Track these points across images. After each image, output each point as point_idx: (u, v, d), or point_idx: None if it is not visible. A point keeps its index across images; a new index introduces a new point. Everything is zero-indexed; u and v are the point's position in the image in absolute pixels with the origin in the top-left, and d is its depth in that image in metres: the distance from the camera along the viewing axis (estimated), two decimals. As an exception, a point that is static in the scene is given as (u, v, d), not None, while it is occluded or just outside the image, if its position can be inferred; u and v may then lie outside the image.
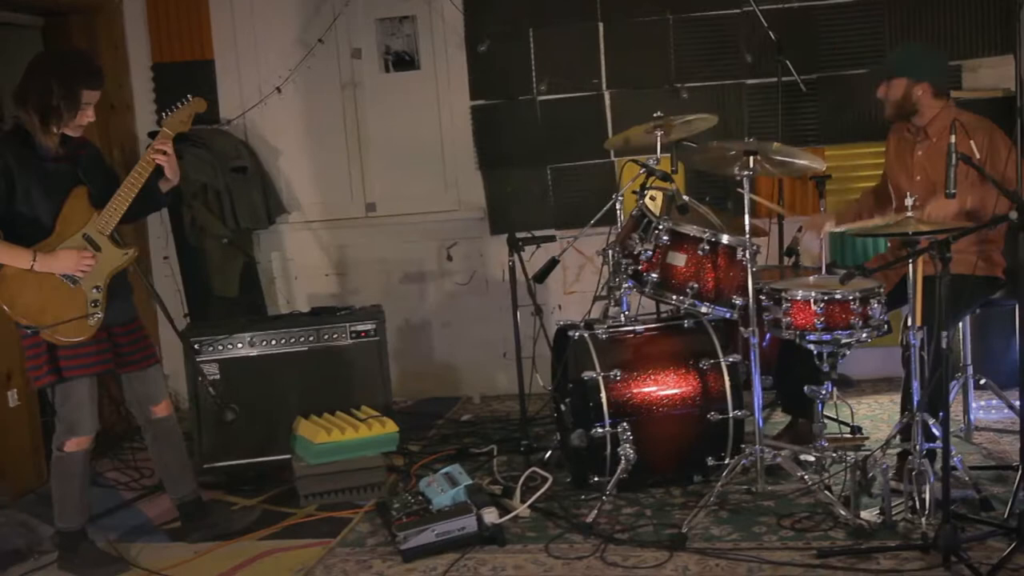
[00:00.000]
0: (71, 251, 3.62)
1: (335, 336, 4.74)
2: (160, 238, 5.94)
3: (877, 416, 4.95)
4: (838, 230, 4.45)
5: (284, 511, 4.29)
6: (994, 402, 4.71)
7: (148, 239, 6.01)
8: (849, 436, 4.48)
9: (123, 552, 3.96)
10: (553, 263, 4.78)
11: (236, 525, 4.07)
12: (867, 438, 4.50)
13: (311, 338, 4.72)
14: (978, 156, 3.86)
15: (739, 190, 3.90)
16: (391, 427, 4.41)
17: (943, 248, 3.17)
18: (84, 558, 3.84)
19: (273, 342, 4.69)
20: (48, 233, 3.62)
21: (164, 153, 3.75)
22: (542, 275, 4.74)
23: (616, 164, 5.67)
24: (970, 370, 4.50)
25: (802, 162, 4.26)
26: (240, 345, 4.65)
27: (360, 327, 4.76)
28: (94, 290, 3.67)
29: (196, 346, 4.60)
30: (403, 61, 5.84)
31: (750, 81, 5.49)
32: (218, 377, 4.60)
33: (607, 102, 5.65)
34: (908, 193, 3.65)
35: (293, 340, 4.71)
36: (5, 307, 3.56)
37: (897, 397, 5.12)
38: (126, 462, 5.08)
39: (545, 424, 5.11)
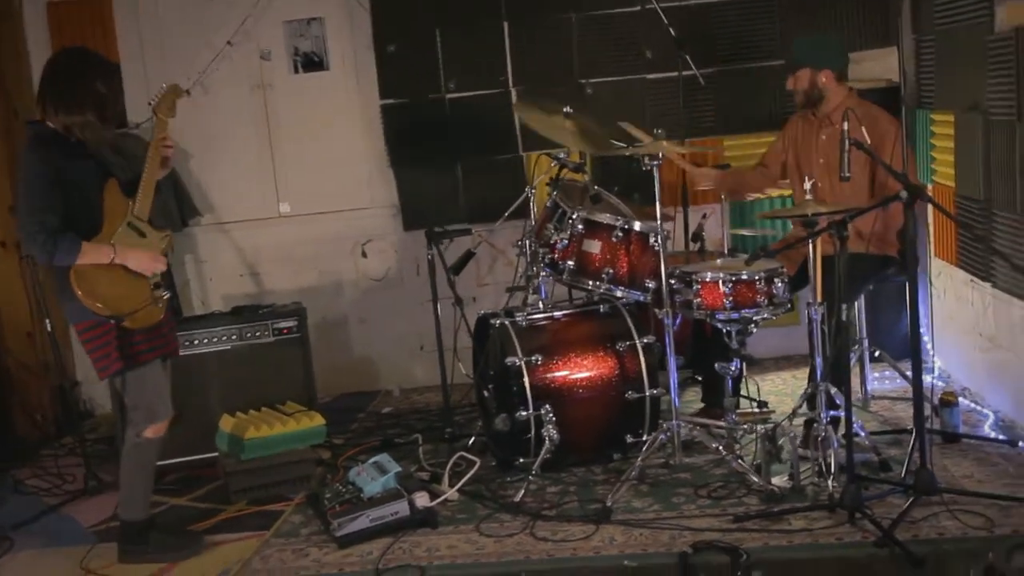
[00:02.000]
0: (147, 252, 3.74)
1: (258, 334, 4.81)
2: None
3: (781, 391, 5.21)
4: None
5: (215, 507, 4.34)
6: (888, 373, 5.01)
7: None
8: (756, 411, 4.72)
9: (53, 556, 3.98)
10: (469, 255, 4.94)
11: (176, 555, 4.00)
12: (773, 412, 4.75)
13: (234, 337, 4.78)
14: (869, 141, 4.14)
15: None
16: (318, 420, 4.51)
17: (840, 228, 3.41)
18: (160, 545, 3.90)
19: (196, 342, 4.73)
20: (98, 228, 3.70)
21: (167, 142, 3.87)
22: (458, 267, 4.90)
23: (525, 159, 5.84)
24: (866, 343, 4.78)
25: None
26: (163, 346, 4.67)
27: (282, 324, 4.84)
28: (154, 276, 3.79)
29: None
30: (312, 62, 5.91)
31: (651, 76, 5.71)
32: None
33: (514, 98, 5.80)
34: (807, 176, 3.90)
35: (216, 339, 4.76)
36: (97, 303, 3.63)
37: (798, 372, 5.45)
38: (46, 468, 5.05)
39: (466, 413, 5.24)
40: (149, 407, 3.84)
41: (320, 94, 5.93)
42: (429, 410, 5.54)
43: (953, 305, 5.08)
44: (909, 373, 4.54)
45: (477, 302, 5.94)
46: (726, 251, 5.14)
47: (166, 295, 3.81)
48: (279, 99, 5.94)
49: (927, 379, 4.26)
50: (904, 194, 3.32)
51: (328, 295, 6.02)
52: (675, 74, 5.48)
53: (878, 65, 5.65)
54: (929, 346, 5.08)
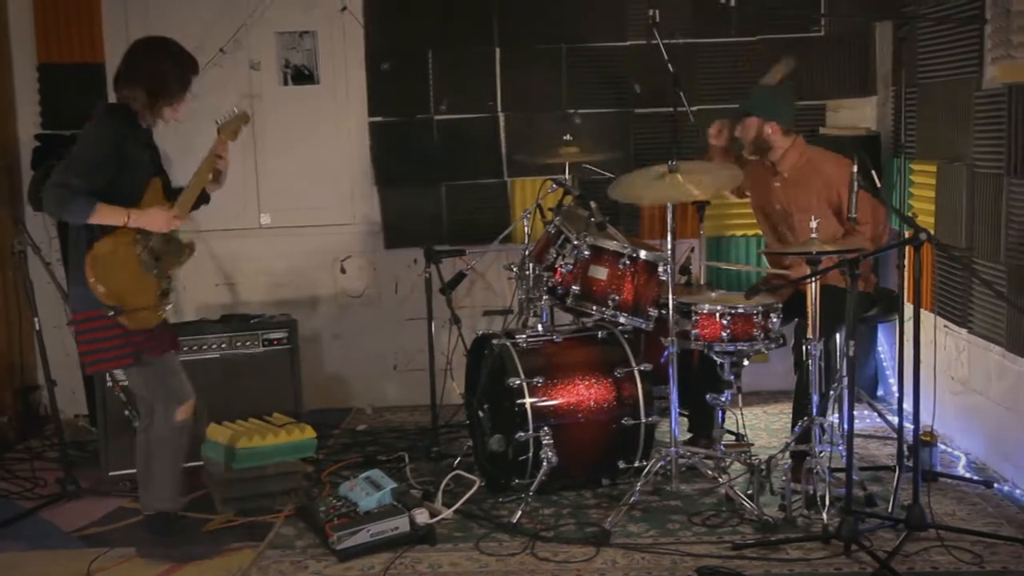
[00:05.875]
0: (161, 209, 3.71)
1: (247, 344, 4.77)
2: (44, 243, 5.76)
3: (753, 425, 5.32)
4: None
5: (202, 517, 4.28)
6: (858, 412, 5.15)
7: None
8: (736, 442, 4.82)
9: (34, 561, 3.89)
10: (460, 276, 4.99)
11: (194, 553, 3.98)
12: (752, 444, 4.85)
13: (223, 345, 4.74)
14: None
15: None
16: (309, 433, 4.48)
17: (852, 266, 3.54)
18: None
19: (184, 349, 4.65)
20: None
21: (224, 159, 3.93)
22: (450, 286, 4.94)
23: (510, 184, 5.90)
24: (844, 380, 4.92)
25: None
26: (150, 352, 4.60)
27: (273, 335, 4.82)
28: (166, 280, 3.77)
29: (105, 352, 4.53)
30: (302, 75, 5.90)
31: (637, 111, 5.83)
32: (127, 384, 4.54)
33: (502, 124, 5.87)
34: (812, 216, 4.03)
35: (205, 347, 4.71)
36: (100, 286, 3.58)
37: (768, 408, 5.59)
38: (13, 472, 4.92)
39: (445, 433, 5.24)
40: (171, 390, 3.88)
41: (308, 108, 5.91)
42: (405, 429, 5.53)
43: (923, 348, 5.25)
44: (886, 414, 4.81)
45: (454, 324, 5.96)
46: (702, 283, 5.27)
47: (169, 306, 3.78)
48: (267, 110, 5.91)
49: (893, 419, 4.40)
50: (924, 236, 3.46)
51: (304, 309, 5.97)
52: (661, 109, 5.63)
53: (855, 114, 5.88)
54: (895, 388, 5.24)
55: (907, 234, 3.77)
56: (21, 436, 5.51)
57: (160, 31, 5.73)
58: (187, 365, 4.58)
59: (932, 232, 3.76)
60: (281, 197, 5.98)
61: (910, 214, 5.23)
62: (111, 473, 4.57)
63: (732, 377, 4.26)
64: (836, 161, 4.58)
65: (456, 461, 4.69)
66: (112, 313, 3.63)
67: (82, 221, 3.60)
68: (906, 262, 3.92)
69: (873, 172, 3.90)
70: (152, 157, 3.84)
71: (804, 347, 4.06)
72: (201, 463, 4.51)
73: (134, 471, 4.52)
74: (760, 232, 5.24)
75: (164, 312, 3.80)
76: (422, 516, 3.92)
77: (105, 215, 3.61)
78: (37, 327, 4.70)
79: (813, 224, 3.95)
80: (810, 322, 4.06)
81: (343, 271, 6.01)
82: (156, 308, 3.74)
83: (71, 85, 5.72)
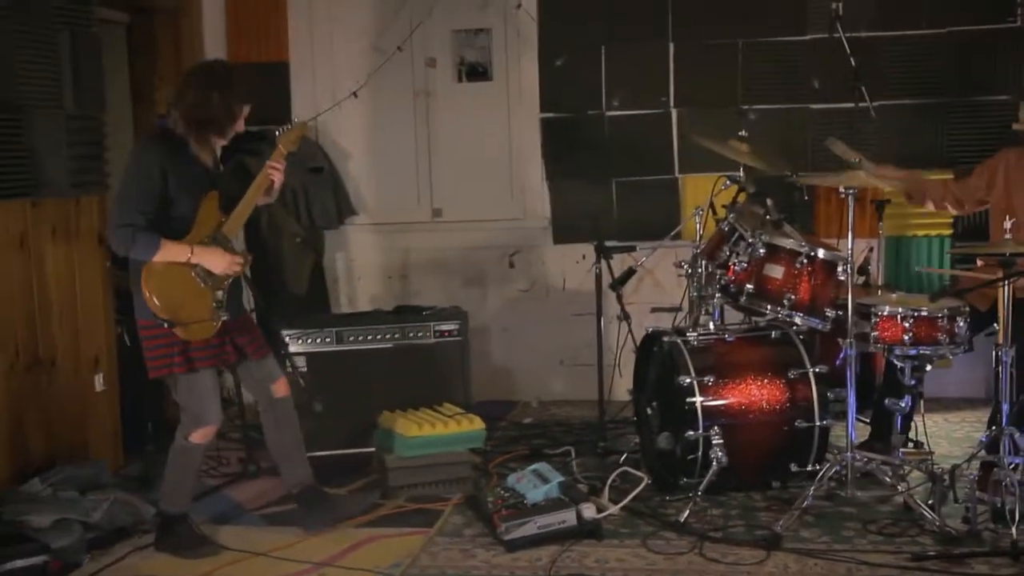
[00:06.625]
0: (224, 252, 3.79)
1: (419, 335, 4.87)
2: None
3: (933, 433, 5.09)
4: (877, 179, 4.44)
5: (375, 502, 4.39)
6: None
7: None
8: (917, 450, 4.63)
9: (217, 534, 4.07)
10: (630, 272, 4.96)
11: (354, 510, 4.15)
12: (933, 452, 4.65)
13: (396, 335, 4.85)
14: None
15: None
16: (478, 424, 4.54)
17: (1053, 270, 3.34)
18: (181, 539, 3.94)
19: (360, 338, 4.81)
20: (184, 234, 3.76)
21: (278, 170, 3.93)
22: (620, 282, 4.92)
23: (681, 181, 5.84)
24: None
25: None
26: (328, 340, 4.77)
27: (444, 327, 4.89)
28: (219, 292, 3.81)
29: (286, 339, 4.71)
30: (476, 72, 6.00)
31: (815, 106, 5.68)
32: (305, 370, 4.70)
33: (674, 120, 5.82)
34: (1008, 215, 3.82)
35: (379, 337, 4.83)
36: (155, 299, 3.68)
37: (949, 415, 5.36)
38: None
39: (612, 429, 5.23)
40: (196, 413, 3.86)
41: (481, 104, 6.02)
42: (570, 423, 5.55)
43: None
44: None
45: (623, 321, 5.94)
46: (880, 284, 5.09)
47: (224, 317, 3.80)
48: (440, 106, 6.03)
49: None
50: None
51: (473, 302, 6.05)
52: (839, 105, 5.48)
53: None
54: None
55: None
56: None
57: (342, 30, 6.00)
58: (361, 354, 4.80)
59: None
60: (453, 191, 6.10)
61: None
62: (289, 455, 4.73)
63: (913, 382, 4.09)
64: None
65: (623, 457, 4.67)
66: (167, 325, 3.70)
67: (148, 259, 3.67)
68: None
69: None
70: (205, 172, 3.85)
71: (995, 353, 3.85)
72: (373, 450, 4.64)
73: (312, 454, 4.73)
74: (951, 232, 5.00)
75: (218, 324, 3.79)
76: (589, 511, 3.92)
77: (169, 252, 3.68)
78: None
79: (1007, 224, 3.74)
80: (1001, 327, 3.85)
81: (512, 265, 6.08)
82: (211, 320, 3.77)
83: (259, 83, 5.95)
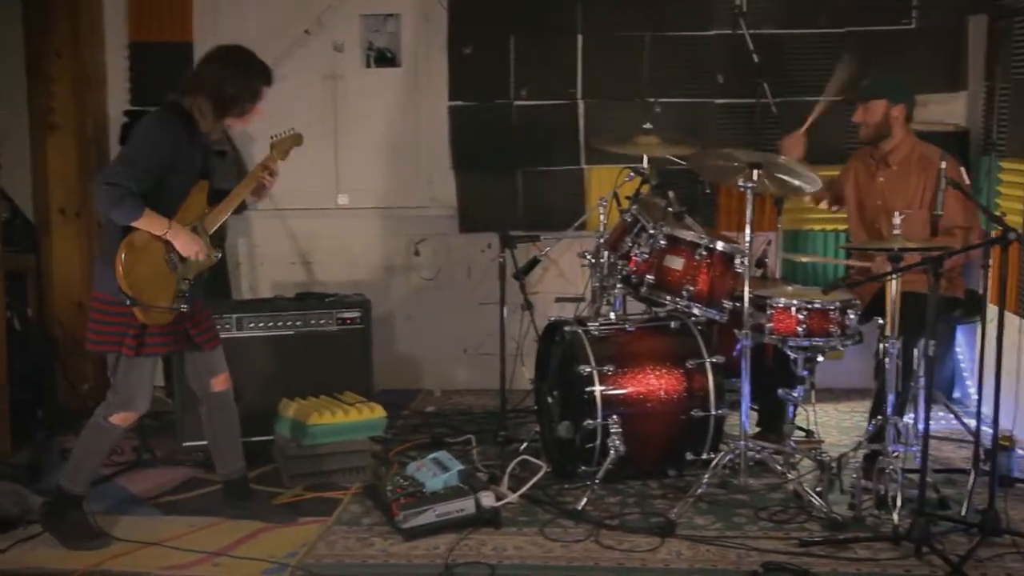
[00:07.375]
0: (197, 237, 3.75)
1: (321, 322, 4.83)
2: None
3: (824, 423, 5.23)
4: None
5: (270, 490, 4.35)
6: (934, 412, 5.04)
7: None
8: (806, 439, 4.75)
9: (111, 524, 3.99)
10: (535, 262, 5.01)
11: (274, 518, 4.06)
12: (822, 441, 4.78)
13: (298, 323, 4.80)
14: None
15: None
16: (379, 412, 4.53)
17: (936, 264, 3.46)
18: (72, 528, 3.85)
19: (260, 325, 4.75)
20: (170, 216, 3.71)
21: (272, 174, 3.94)
22: (524, 272, 4.95)
23: (587, 171, 5.89)
24: (922, 381, 4.82)
25: (796, 182, 4.45)
26: (227, 326, 4.70)
27: (346, 314, 4.86)
28: (184, 283, 3.77)
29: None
30: (385, 58, 5.95)
31: (719, 100, 5.77)
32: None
33: (581, 111, 5.86)
34: (896, 212, 3.94)
35: (280, 324, 4.79)
36: (123, 271, 3.61)
37: (839, 405, 5.52)
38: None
39: (513, 418, 5.25)
40: (127, 396, 3.81)
41: (389, 90, 5.97)
42: (473, 412, 5.56)
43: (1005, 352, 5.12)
44: (963, 416, 4.69)
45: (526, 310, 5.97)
46: (778, 277, 5.20)
47: (183, 308, 3.77)
48: (349, 92, 5.98)
49: (971, 423, 4.29)
50: (1012, 235, 3.37)
51: (377, 290, 6.02)
52: (742, 100, 5.57)
53: (943, 109, 5.73)
54: (973, 390, 5.13)
55: (994, 233, 3.67)
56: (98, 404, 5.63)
57: (249, 11, 5.89)
58: (262, 341, 4.74)
59: (1021, 231, 3.64)
60: (359, 178, 6.05)
61: (998, 213, 5.11)
62: (185, 443, 4.67)
63: (806, 373, 4.20)
64: (948, 159, 4.44)
65: (523, 446, 4.70)
66: (128, 303, 3.65)
67: (125, 223, 3.63)
68: (991, 262, 3.81)
69: (962, 169, 3.80)
70: (203, 159, 3.84)
71: (881, 345, 3.97)
72: (272, 438, 4.59)
73: (206, 442, 4.68)
74: (847, 227, 5.13)
75: (175, 313, 3.76)
76: (488, 499, 3.94)
77: (148, 222, 3.64)
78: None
79: (897, 220, 3.86)
80: (888, 320, 3.98)
81: (417, 253, 6.06)
82: (169, 307, 3.74)
83: (160, 63, 5.83)
